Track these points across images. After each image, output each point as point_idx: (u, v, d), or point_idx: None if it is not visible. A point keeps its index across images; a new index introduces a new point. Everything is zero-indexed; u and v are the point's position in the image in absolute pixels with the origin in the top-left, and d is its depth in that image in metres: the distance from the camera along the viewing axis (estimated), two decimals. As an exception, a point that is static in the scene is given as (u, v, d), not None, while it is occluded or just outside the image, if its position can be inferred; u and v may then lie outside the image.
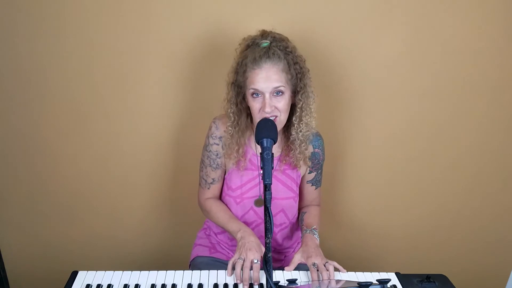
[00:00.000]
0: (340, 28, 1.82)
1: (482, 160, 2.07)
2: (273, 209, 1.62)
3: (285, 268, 1.48)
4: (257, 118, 1.44)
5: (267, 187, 1.22)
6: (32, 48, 1.80)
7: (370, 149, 2.03)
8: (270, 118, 1.40)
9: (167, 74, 1.87)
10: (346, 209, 2.15)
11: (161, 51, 1.82)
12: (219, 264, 1.70)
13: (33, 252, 2.19)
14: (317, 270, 1.44)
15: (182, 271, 1.48)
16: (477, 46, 1.85)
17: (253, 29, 1.50)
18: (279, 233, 1.70)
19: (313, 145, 1.62)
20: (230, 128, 1.53)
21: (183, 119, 1.94)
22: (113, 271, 1.46)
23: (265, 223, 1.23)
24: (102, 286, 1.40)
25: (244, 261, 1.41)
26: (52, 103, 1.89)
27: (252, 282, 1.39)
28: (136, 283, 1.41)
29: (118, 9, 1.75)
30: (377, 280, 1.25)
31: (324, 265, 1.45)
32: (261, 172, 1.55)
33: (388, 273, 1.48)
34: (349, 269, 1.50)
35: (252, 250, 1.43)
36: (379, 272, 1.49)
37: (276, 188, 1.59)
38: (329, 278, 1.42)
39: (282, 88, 1.40)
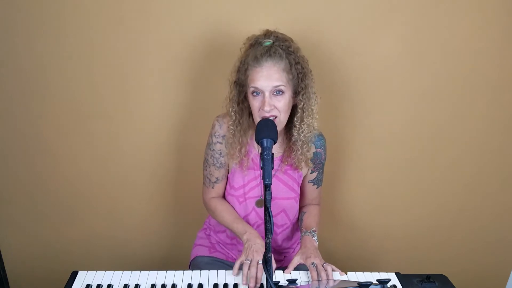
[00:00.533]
0: (340, 28, 1.82)
1: (482, 160, 2.07)
2: (274, 209, 1.62)
3: (285, 270, 1.49)
4: (256, 117, 1.44)
5: (267, 187, 1.22)
6: (32, 48, 1.80)
7: (370, 149, 2.03)
8: (270, 118, 1.40)
9: (167, 74, 1.87)
10: (346, 209, 2.15)
11: (162, 51, 1.82)
12: (219, 263, 1.70)
13: (33, 252, 2.19)
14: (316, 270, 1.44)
15: (182, 271, 1.48)
16: (477, 46, 1.85)
17: (254, 30, 1.49)
18: (280, 234, 1.70)
19: (315, 145, 1.61)
20: (232, 127, 1.52)
21: (183, 119, 1.94)
22: (113, 271, 1.46)
23: (265, 223, 1.23)
24: (102, 286, 1.40)
25: (251, 261, 1.42)
26: (52, 103, 1.89)
27: (249, 277, 1.40)
28: (136, 283, 1.41)
29: (118, 9, 1.75)
30: (377, 280, 1.25)
31: (323, 266, 1.45)
32: (261, 172, 1.56)
33: (388, 273, 1.48)
34: (349, 269, 1.50)
35: (258, 252, 1.44)
36: (379, 272, 1.49)
37: (277, 188, 1.59)
38: (327, 279, 1.42)
39: (282, 88, 1.40)
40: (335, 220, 2.16)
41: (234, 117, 1.51)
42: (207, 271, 1.49)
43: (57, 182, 2.04)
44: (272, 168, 1.25)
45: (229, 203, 1.66)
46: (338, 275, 1.46)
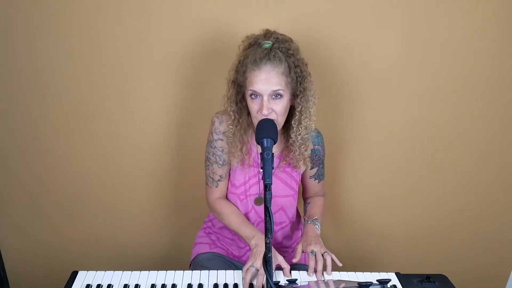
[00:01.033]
0: (340, 28, 1.82)
1: (482, 160, 2.07)
2: (273, 207, 1.62)
3: (293, 260, 1.49)
4: (254, 119, 1.44)
5: (267, 187, 1.22)
6: (32, 48, 1.80)
7: (370, 149, 2.03)
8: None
9: (167, 74, 1.87)
10: (346, 209, 2.15)
11: (162, 51, 1.82)
12: (220, 258, 1.70)
13: (33, 252, 2.19)
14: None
15: (182, 271, 1.48)
16: (477, 46, 1.85)
17: (253, 29, 1.49)
18: (279, 232, 1.70)
19: (312, 142, 1.61)
20: (231, 126, 1.52)
21: (184, 119, 1.94)
22: (113, 271, 1.46)
23: (265, 223, 1.23)
24: (102, 286, 1.40)
25: (256, 269, 1.41)
26: (52, 103, 1.89)
27: (256, 286, 1.40)
28: (136, 283, 1.41)
29: (118, 9, 1.75)
30: (377, 280, 1.25)
31: (323, 255, 1.46)
32: (261, 171, 1.56)
33: (388, 273, 1.49)
34: (349, 269, 1.50)
35: (262, 258, 1.43)
36: (379, 272, 1.49)
37: (276, 186, 1.60)
38: (326, 270, 1.43)
39: (281, 92, 1.40)
40: (335, 220, 2.16)
41: (233, 117, 1.51)
42: (207, 271, 1.49)
43: (57, 182, 2.04)
44: (272, 168, 1.26)
45: (233, 203, 1.65)
46: (339, 274, 1.47)
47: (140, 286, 1.40)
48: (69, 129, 1.94)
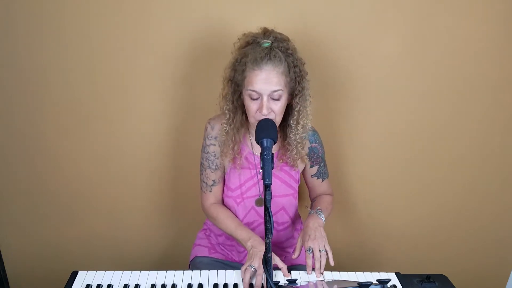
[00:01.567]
0: (340, 27, 1.82)
1: (482, 160, 2.07)
2: (274, 207, 1.62)
3: (292, 256, 1.49)
4: (252, 118, 1.44)
5: (267, 187, 1.22)
6: (32, 48, 1.80)
7: (370, 149, 2.03)
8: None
9: (167, 74, 1.87)
10: (346, 208, 2.15)
11: (161, 51, 1.82)
12: (219, 264, 1.70)
13: (33, 252, 2.19)
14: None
15: (182, 271, 1.48)
16: (477, 46, 1.85)
17: (251, 28, 1.49)
18: (282, 231, 1.70)
19: (309, 140, 1.61)
20: (225, 125, 1.52)
21: (184, 119, 1.94)
22: (113, 271, 1.46)
23: (265, 223, 1.23)
24: (102, 286, 1.40)
25: (254, 269, 1.41)
26: (52, 103, 1.89)
27: (255, 286, 1.40)
28: (136, 283, 1.41)
29: (118, 9, 1.75)
30: (377, 280, 1.25)
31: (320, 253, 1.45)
32: (260, 171, 1.56)
33: (388, 273, 1.49)
34: (349, 269, 1.50)
35: (262, 258, 1.43)
36: (379, 272, 1.49)
37: (275, 185, 1.59)
38: (320, 270, 1.43)
39: (280, 92, 1.40)
40: (335, 220, 2.16)
41: (228, 115, 1.51)
42: (207, 271, 1.49)
43: (57, 182, 2.04)
44: (272, 168, 1.26)
45: (228, 208, 1.65)
46: (338, 275, 1.47)
47: (140, 286, 1.41)
48: (69, 129, 1.94)
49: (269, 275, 1.25)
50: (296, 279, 1.41)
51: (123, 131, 1.95)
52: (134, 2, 1.75)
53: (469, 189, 2.13)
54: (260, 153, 1.27)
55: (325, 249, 1.46)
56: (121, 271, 1.46)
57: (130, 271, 1.46)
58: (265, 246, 1.25)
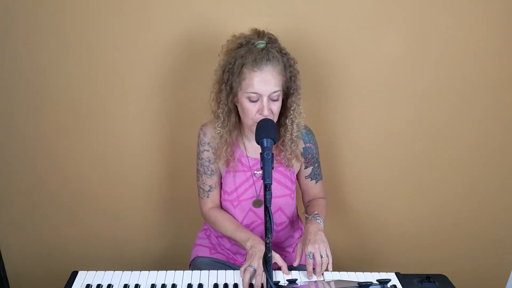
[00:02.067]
0: (339, 27, 1.82)
1: (482, 160, 2.07)
2: (271, 209, 1.61)
3: (294, 263, 1.48)
4: (250, 120, 1.43)
5: (267, 187, 1.22)
6: (32, 48, 1.80)
7: (370, 149, 2.03)
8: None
9: (168, 74, 1.87)
10: (346, 209, 2.15)
11: (162, 51, 1.82)
12: (219, 264, 1.70)
13: (33, 252, 2.19)
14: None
15: (182, 271, 1.48)
16: (477, 46, 1.85)
17: (249, 27, 1.48)
18: (280, 232, 1.70)
19: (303, 140, 1.61)
20: (219, 128, 1.51)
21: (184, 119, 1.94)
22: (113, 271, 1.46)
23: (265, 223, 1.23)
24: (102, 286, 1.40)
25: (254, 269, 1.41)
26: (52, 103, 1.89)
27: (255, 286, 1.40)
28: (136, 283, 1.41)
29: (118, 9, 1.75)
30: (377, 280, 1.25)
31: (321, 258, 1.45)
32: (257, 172, 1.56)
33: (388, 273, 1.48)
34: (349, 269, 1.50)
35: (262, 259, 1.43)
36: (379, 272, 1.49)
37: (272, 187, 1.59)
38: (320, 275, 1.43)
39: (279, 92, 1.40)
40: (334, 220, 2.16)
41: (222, 118, 1.50)
42: (207, 271, 1.49)
43: (57, 182, 2.04)
44: (273, 168, 1.26)
45: (226, 210, 1.65)
46: (339, 274, 1.47)
47: (140, 286, 1.40)
48: (69, 129, 1.94)
49: (269, 275, 1.25)
50: (296, 279, 1.41)
51: (123, 131, 1.95)
52: (134, 2, 1.75)
53: (469, 189, 2.13)
54: (260, 153, 1.27)
55: (326, 254, 1.46)
56: (121, 271, 1.46)
57: (130, 271, 1.46)
58: (265, 246, 1.25)
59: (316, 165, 1.68)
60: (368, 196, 2.13)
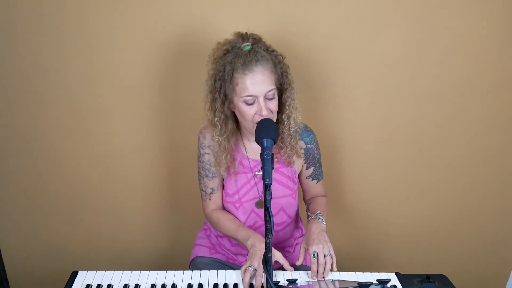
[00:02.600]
0: (339, 27, 1.82)
1: (482, 160, 2.07)
2: (273, 208, 1.61)
3: (296, 262, 1.48)
4: (250, 123, 1.43)
5: (267, 187, 1.22)
6: (32, 48, 1.80)
7: (370, 149, 2.03)
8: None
9: (168, 74, 1.87)
10: (346, 209, 2.15)
11: (161, 51, 1.82)
12: (219, 264, 1.70)
13: (33, 252, 2.19)
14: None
15: (182, 271, 1.48)
16: (477, 46, 1.85)
17: (245, 26, 1.48)
18: (281, 231, 1.70)
19: (304, 141, 1.61)
20: (217, 136, 1.51)
21: (184, 119, 1.94)
22: (113, 271, 1.46)
23: (265, 223, 1.23)
24: (102, 286, 1.40)
25: (254, 269, 1.41)
26: (53, 103, 1.89)
27: (255, 286, 1.39)
28: (136, 283, 1.41)
29: (117, 9, 1.75)
30: (377, 280, 1.25)
31: (325, 256, 1.44)
32: (257, 173, 1.55)
33: (388, 273, 1.48)
34: (349, 269, 1.50)
35: (262, 258, 1.43)
36: (379, 272, 1.49)
37: (272, 187, 1.58)
38: (324, 275, 1.42)
39: (274, 90, 1.41)
40: (334, 220, 2.16)
41: (219, 127, 1.50)
42: (207, 271, 1.49)
43: (57, 182, 2.04)
44: (272, 168, 1.26)
45: (229, 212, 1.65)
46: (339, 275, 1.47)
47: (140, 286, 1.40)
48: (69, 129, 1.94)
49: (269, 275, 1.25)
50: (296, 279, 1.41)
51: (123, 131, 1.95)
52: (135, 2, 1.75)
53: (469, 189, 2.13)
54: (260, 153, 1.27)
55: (330, 254, 1.46)
56: (121, 271, 1.46)
57: (130, 271, 1.46)
58: (265, 246, 1.25)
59: (317, 165, 1.68)
60: (368, 196, 2.13)
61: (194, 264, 1.70)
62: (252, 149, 1.59)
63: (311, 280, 1.45)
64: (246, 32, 1.45)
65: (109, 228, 2.14)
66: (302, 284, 1.43)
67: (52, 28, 1.77)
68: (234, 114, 1.50)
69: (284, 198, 1.62)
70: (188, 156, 1.97)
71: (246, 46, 1.41)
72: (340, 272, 1.48)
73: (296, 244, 1.78)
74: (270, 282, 1.23)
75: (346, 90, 1.92)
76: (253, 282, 1.41)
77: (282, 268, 1.49)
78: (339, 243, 2.19)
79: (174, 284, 1.41)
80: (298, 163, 1.64)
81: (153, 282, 1.41)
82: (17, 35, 1.78)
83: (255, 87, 1.38)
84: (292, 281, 1.39)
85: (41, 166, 2.01)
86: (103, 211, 2.11)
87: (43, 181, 2.04)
